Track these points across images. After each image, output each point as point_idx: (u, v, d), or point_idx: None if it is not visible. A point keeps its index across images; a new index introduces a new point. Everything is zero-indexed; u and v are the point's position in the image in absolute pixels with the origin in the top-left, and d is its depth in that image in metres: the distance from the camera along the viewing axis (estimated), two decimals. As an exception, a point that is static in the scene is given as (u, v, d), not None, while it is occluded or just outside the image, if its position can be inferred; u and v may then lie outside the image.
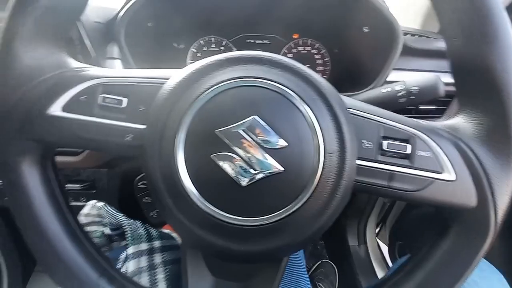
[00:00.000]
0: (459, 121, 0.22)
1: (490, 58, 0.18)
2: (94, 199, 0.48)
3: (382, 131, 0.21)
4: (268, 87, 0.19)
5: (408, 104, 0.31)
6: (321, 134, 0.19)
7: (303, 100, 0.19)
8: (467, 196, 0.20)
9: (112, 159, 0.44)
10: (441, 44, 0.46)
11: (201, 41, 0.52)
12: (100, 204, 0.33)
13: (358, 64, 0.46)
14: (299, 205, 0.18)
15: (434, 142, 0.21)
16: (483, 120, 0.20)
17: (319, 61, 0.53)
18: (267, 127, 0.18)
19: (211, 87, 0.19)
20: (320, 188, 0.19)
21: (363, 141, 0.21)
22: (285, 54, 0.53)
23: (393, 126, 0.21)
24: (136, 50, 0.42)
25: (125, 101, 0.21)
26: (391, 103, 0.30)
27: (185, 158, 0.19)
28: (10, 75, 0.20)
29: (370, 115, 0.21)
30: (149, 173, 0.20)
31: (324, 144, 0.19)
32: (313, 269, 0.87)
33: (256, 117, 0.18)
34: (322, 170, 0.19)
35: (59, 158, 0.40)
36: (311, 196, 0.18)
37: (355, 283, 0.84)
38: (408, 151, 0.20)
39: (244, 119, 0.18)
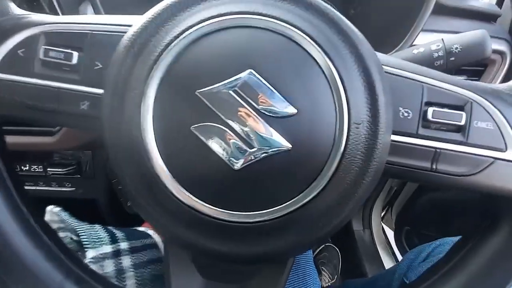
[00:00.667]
0: None
1: None
2: (79, 185, 0.44)
3: (426, 95, 0.15)
4: (270, 28, 0.13)
5: (445, 69, 0.25)
6: (345, 96, 0.13)
7: (322, 48, 0.13)
8: None
9: (97, 138, 0.40)
10: (476, 3, 0.39)
11: None
12: (57, 209, 0.29)
13: (380, 26, 0.39)
14: (312, 195, 0.13)
15: (498, 109, 0.15)
16: None
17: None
18: (269, 86, 0.13)
19: (187, 30, 0.13)
20: (342, 172, 0.13)
21: (399, 108, 0.15)
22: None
23: (441, 88, 0.15)
24: (113, 8, 0.35)
25: (76, 55, 0.15)
26: (424, 68, 0.25)
27: (156, 132, 0.14)
28: None
29: (410, 74, 0.16)
30: (111, 153, 0.15)
31: (349, 111, 0.13)
32: (316, 252, 0.86)
33: (252, 71, 0.13)
34: (346, 147, 0.13)
35: (31, 139, 0.36)
36: (329, 182, 0.13)
37: (359, 268, 0.83)
38: (462, 121, 0.15)
39: (236, 75, 0.13)
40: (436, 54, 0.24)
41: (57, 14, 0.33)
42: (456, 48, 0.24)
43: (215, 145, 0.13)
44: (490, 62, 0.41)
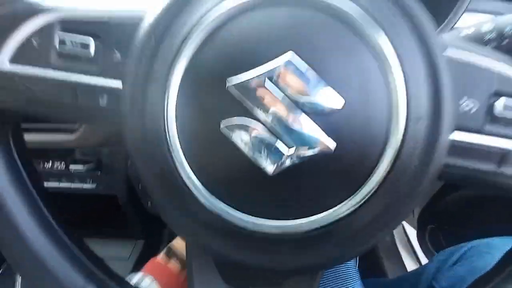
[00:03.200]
0: None
1: None
2: (100, 181, 0.44)
3: (496, 83, 0.13)
4: (312, 3, 0.11)
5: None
6: (404, 85, 0.11)
7: (378, 24, 0.11)
8: None
9: (117, 135, 0.39)
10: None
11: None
12: None
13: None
14: (358, 203, 0.12)
15: None
16: None
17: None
18: (311, 72, 0.11)
19: (211, 10, 0.12)
20: (395, 177, 0.11)
21: (463, 99, 0.13)
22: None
23: None
24: None
25: (93, 44, 0.14)
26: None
27: (180, 130, 0.12)
28: None
29: (478, 57, 0.13)
30: (131, 150, 0.13)
31: (408, 104, 0.11)
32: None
33: (292, 54, 0.11)
34: (401, 146, 0.11)
35: (52, 137, 0.36)
36: (379, 188, 0.11)
37: (379, 267, 0.80)
38: None
39: (273, 60, 0.11)
40: (487, 36, 0.21)
41: None
42: (511, 29, 0.21)
43: (246, 146, 0.11)
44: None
